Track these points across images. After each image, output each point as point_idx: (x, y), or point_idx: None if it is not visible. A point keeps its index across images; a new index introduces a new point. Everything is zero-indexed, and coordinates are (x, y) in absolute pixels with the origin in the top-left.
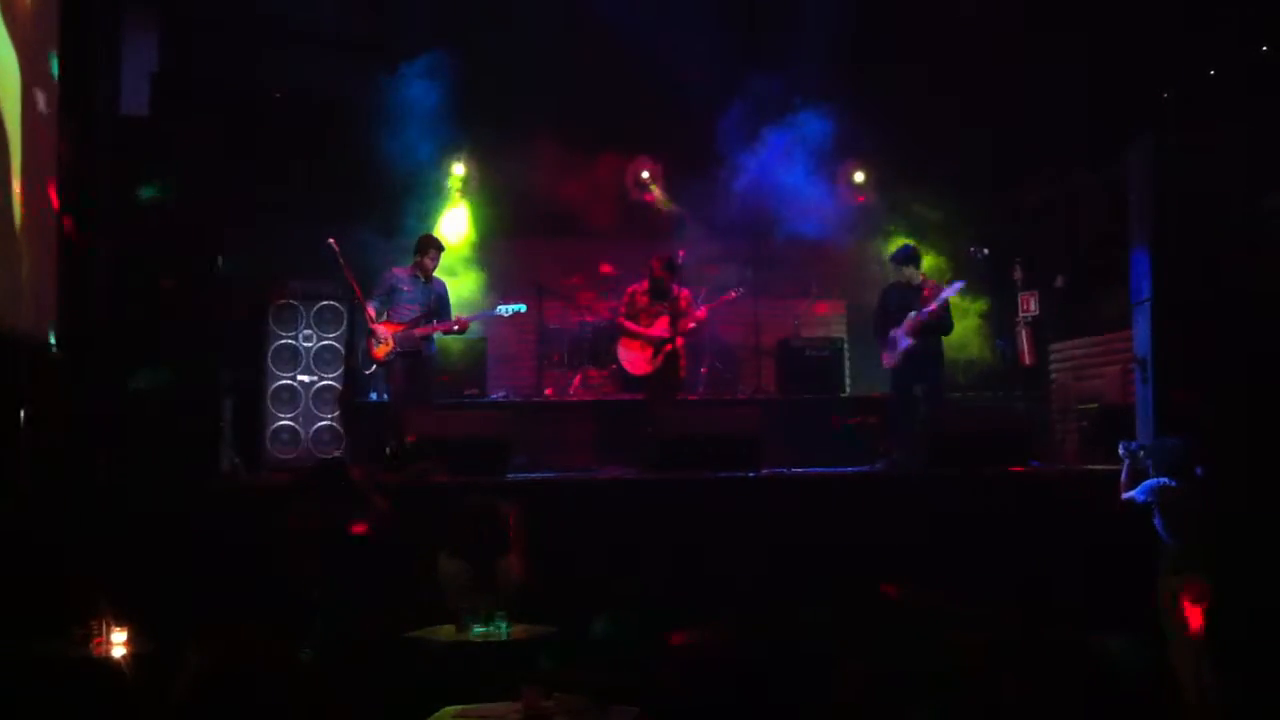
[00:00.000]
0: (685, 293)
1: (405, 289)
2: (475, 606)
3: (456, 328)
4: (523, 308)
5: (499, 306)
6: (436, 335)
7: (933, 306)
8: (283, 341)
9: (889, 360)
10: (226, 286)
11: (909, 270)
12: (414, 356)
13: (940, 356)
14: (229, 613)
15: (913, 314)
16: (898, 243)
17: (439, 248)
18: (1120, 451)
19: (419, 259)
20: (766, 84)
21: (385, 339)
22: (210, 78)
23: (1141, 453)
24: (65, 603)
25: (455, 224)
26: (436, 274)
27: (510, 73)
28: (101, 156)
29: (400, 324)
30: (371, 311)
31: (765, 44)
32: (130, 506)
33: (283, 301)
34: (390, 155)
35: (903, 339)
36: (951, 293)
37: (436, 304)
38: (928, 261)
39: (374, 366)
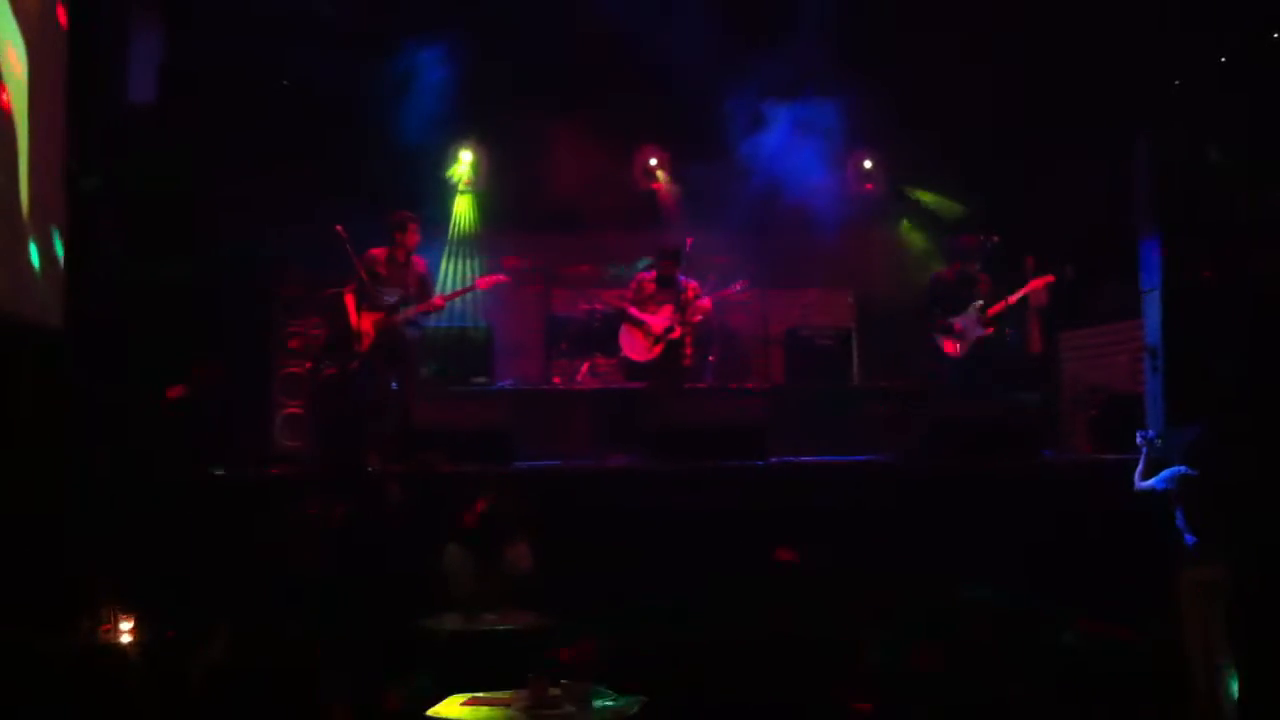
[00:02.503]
0: (693, 284)
1: (382, 272)
2: (483, 594)
3: (435, 307)
4: (503, 279)
5: (477, 280)
6: (421, 316)
7: (1017, 295)
8: (290, 330)
9: (955, 349)
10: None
11: (967, 259)
12: (396, 344)
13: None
14: (244, 604)
15: (979, 303)
16: (908, 230)
17: (415, 221)
18: (1138, 441)
19: (397, 237)
20: (775, 72)
21: (368, 332)
22: (218, 69)
23: (1159, 441)
24: (72, 593)
25: (462, 210)
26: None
27: (517, 63)
28: (109, 146)
29: (378, 312)
30: (351, 303)
31: (773, 32)
32: (135, 497)
33: (290, 290)
34: (397, 145)
35: (975, 328)
36: (1041, 284)
37: (417, 284)
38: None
39: (358, 360)
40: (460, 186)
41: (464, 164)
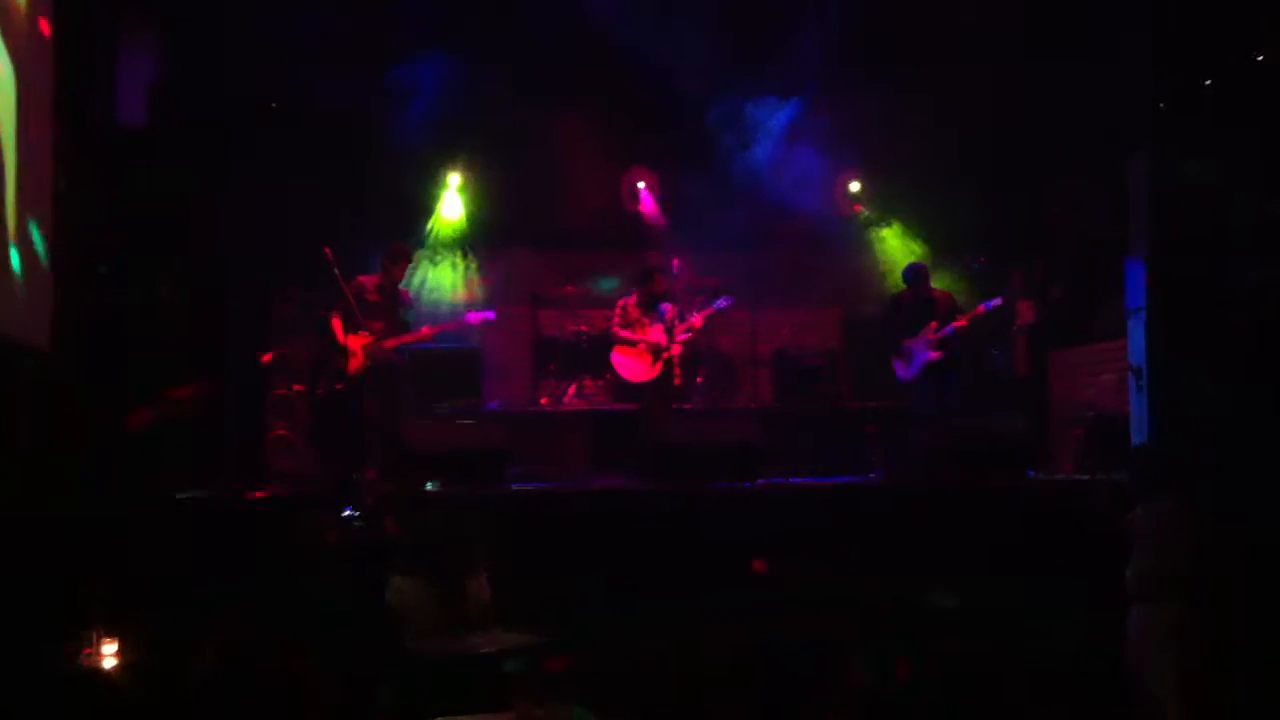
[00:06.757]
0: (671, 307)
1: (372, 299)
2: (442, 633)
3: (423, 338)
4: (491, 315)
5: (467, 315)
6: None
7: (962, 321)
8: (280, 351)
9: (905, 372)
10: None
11: (921, 285)
12: (385, 369)
13: (959, 369)
14: (237, 620)
15: (932, 325)
16: (894, 249)
17: (409, 256)
18: None
19: (390, 267)
20: (764, 94)
21: (355, 352)
22: (207, 89)
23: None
24: (56, 614)
25: (450, 211)
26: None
27: (508, 83)
28: (98, 167)
29: (368, 336)
30: (338, 325)
31: (763, 55)
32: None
33: (280, 311)
34: (387, 165)
35: (923, 351)
36: (989, 308)
37: (403, 314)
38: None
39: (346, 381)
40: (451, 205)
41: (454, 185)
